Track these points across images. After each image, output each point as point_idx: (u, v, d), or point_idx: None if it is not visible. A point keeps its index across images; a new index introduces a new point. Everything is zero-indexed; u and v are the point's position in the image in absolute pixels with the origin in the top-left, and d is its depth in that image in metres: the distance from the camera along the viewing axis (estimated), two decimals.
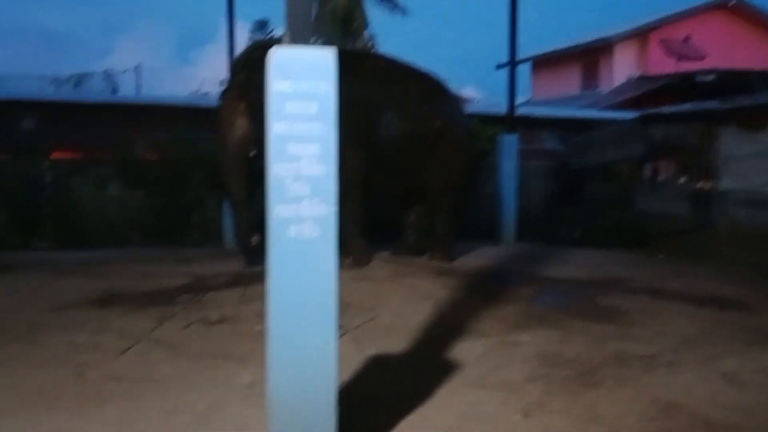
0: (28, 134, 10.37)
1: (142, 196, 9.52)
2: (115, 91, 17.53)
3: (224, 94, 6.26)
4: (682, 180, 9.43)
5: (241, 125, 5.92)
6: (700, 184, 9.33)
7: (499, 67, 19.16)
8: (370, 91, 5.98)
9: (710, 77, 14.17)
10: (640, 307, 4.83)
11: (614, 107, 15.02)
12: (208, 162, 9.44)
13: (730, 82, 13.27)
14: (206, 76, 30.20)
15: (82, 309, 4.62)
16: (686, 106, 11.43)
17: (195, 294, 5.06)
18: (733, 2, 18.46)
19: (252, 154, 5.81)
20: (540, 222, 9.51)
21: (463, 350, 3.72)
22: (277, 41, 6.63)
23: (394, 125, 6.19)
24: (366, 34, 18.43)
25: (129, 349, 3.72)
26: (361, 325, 4.15)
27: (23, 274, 6.13)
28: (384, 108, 6.19)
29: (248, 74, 5.71)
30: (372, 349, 3.69)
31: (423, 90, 6.61)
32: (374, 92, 6.06)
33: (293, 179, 2.30)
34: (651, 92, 15.33)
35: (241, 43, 9.07)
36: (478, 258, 6.96)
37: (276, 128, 2.28)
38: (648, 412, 2.92)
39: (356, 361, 3.43)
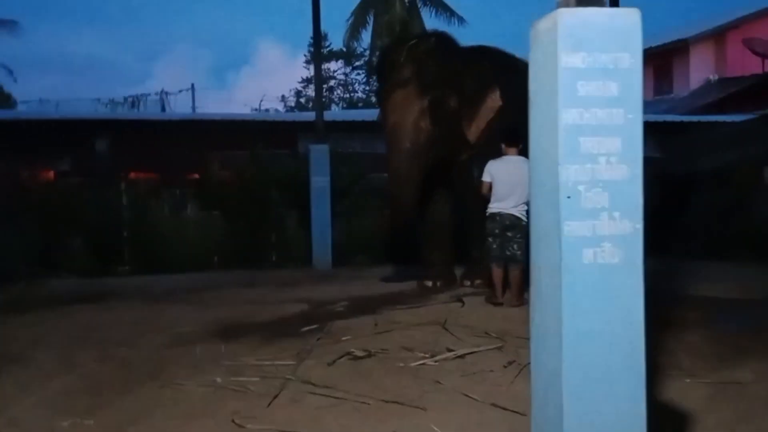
0: (102, 156, 10.08)
1: (221, 217, 9.10)
2: (164, 111, 17.37)
3: (390, 91, 5.26)
4: None
5: (418, 126, 5.00)
6: None
7: None
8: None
9: None
10: None
11: (694, 112, 14.12)
12: (287, 181, 9.02)
13: None
14: (267, 94, 31.00)
15: (204, 342, 4.12)
16: None
17: (320, 324, 4.53)
18: None
19: (431, 159, 5.10)
20: (645, 233, 8.75)
21: (681, 393, 3.06)
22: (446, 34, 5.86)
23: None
24: None
25: (280, 393, 3.18)
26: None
27: (120, 303, 5.73)
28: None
29: (421, 66, 5.01)
30: None
31: None
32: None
33: (588, 186, 1.71)
34: (735, 94, 14.39)
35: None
36: None
37: (565, 117, 1.70)
38: None
39: None
